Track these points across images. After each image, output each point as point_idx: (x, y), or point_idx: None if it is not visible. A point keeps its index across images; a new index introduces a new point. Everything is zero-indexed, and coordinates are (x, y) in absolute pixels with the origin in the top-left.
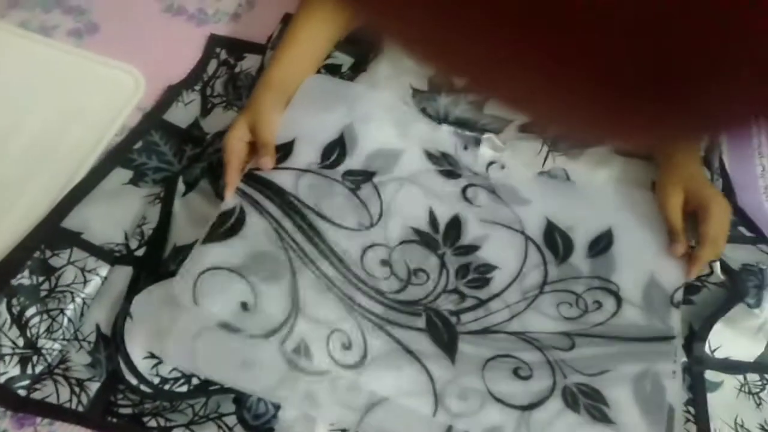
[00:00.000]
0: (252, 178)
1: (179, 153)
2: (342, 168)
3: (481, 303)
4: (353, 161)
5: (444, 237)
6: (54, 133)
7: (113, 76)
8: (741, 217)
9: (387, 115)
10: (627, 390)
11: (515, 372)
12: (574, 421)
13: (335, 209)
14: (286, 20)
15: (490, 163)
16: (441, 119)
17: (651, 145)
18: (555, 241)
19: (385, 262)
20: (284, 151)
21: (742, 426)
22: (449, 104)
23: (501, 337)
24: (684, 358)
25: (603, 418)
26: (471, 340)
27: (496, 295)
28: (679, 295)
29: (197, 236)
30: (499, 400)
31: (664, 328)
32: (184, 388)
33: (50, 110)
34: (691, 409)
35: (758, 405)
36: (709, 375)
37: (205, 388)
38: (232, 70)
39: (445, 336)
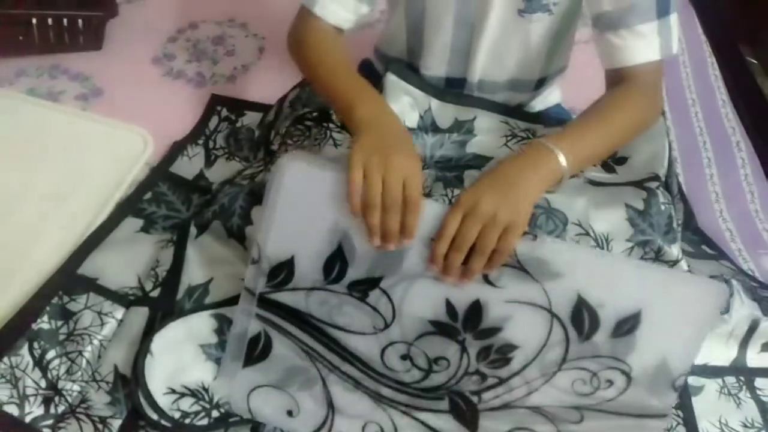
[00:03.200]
0: (266, 302)
1: (187, 201)
2: (346, 280)
3: (502, 381)
4: (355, 271)
5: (464, 324)
6: (67, 189)
7: (122, 136)
8: (702, 237)
9: None
10: None
11: None
12: None
13: (348, 318)
14: (302, 85)
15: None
16: (427, 158)
17: None
18: (582, 319)
19: (405, 357)
20: (287, 269)
21: (726, 425)
22: (435, 143)
23: (519, 412)
24: None
25: None
26: (491, 416)
27: (516, 373)
28: (681, 381)
29: (210, 275)
30: None
31: (661, 407)
32: (205, 422)
33: (63, 169)
34: (680, 413)
35: (738, 405)
36: (692, 380)
37: (225, 420)
38: (233, 125)
39: (467, 414)
